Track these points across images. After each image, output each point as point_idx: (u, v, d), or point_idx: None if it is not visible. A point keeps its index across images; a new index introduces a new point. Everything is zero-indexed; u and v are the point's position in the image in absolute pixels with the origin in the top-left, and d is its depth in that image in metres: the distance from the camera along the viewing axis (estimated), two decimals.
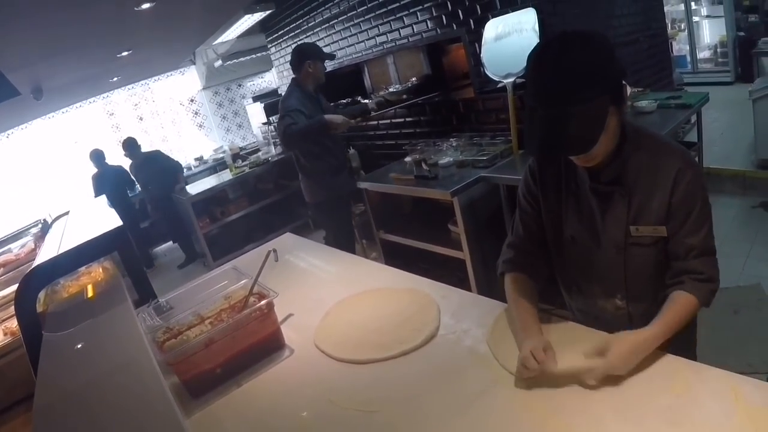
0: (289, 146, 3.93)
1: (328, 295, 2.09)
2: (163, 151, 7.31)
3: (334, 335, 1.79)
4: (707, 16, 8.73)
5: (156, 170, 6.70)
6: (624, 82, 1.34)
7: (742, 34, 8.13)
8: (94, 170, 7.12)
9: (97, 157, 7.12)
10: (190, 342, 1.64)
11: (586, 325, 1.57)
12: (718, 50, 8.56)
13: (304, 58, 3.90)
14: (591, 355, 1.31)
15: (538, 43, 1.35)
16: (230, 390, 1.66)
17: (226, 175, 6.67)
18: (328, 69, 5.72)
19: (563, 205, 1.55)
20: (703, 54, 8.86)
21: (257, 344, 1.75)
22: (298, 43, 6.06)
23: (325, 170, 4.00)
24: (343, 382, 1.57)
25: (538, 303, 1.58)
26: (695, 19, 8.81)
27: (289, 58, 6.38)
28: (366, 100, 5.01)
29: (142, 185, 7.00)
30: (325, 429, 1.40)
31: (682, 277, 1.38)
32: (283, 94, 6.97)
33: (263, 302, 1.75)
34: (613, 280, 1.53)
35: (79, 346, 1.41)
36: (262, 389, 1.64)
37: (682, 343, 1.49)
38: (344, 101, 5.69)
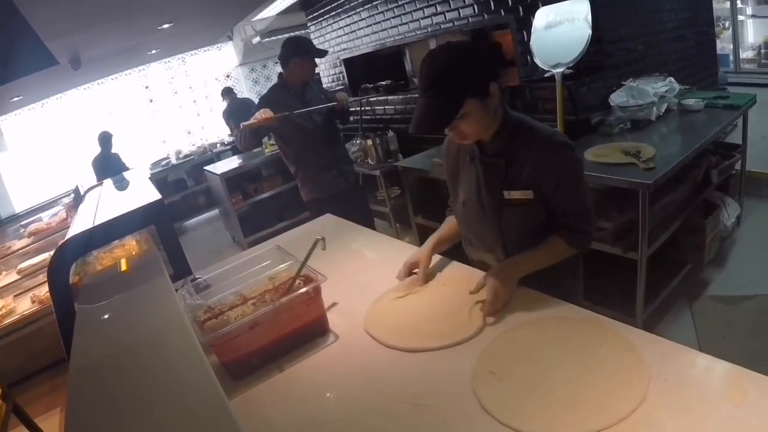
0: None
1: (373, 280, 2.04)
2: (192, 126, 7.19)
3: (386, 321, 1.74)
4: (753, 16, 8.50)
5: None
6: (494, 82, 1.64)
7: None
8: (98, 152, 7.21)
9: (105, 139, 7.19)
10: (234, 324, 1.59)
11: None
12: (762, 51, 8.29)
13: (291, 54, 3.56)
14: (477, 290, 1.74)
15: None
16: (272, 374, 1.62)
17: (260, 153, 6.60)
18: (369, 49, 5.62)
19: (460, 172, 1.92)
20: (746, 54, 8.59)
21: (302, 328, 1.71)
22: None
23: (301, 173, 3.83)
24: (392, 372, 1.52)
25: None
26: (740, 17, 8.54)
27: (329, 37, 6.34)
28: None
29: None
30: (371, 420, 1.35)
31: (560, 231, 1.75)
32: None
33: (310, 286, 1.71)
34: (492, 238, 1.86)
35: (115, 317, 1.40)
36: (306, 375, 1.60)
37: (567, 287, 1.85)
38: (383, 83, 5.62)
